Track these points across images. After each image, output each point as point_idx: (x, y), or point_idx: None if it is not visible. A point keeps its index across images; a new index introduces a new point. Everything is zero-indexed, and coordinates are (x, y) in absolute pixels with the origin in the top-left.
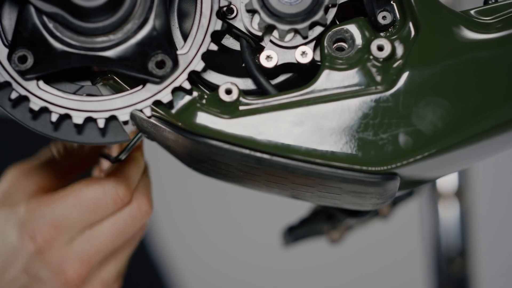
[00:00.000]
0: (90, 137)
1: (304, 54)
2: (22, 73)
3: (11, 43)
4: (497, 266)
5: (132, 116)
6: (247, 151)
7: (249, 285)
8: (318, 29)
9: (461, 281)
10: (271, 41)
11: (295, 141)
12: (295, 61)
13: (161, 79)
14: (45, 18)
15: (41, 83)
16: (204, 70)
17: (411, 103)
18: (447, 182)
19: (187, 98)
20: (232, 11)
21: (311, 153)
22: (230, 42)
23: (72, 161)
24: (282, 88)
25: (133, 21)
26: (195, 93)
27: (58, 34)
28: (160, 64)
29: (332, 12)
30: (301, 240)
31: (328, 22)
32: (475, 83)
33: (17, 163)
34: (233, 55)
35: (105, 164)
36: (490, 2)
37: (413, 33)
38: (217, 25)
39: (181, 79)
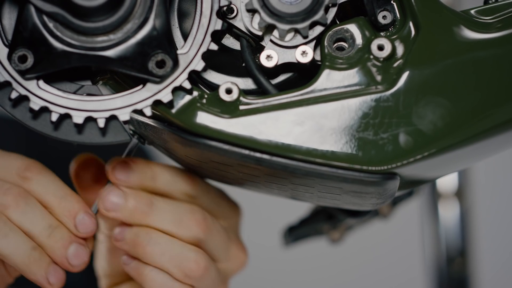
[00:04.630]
0: (90, 136)
1: (304, 54)
2: (22, 73)
3: (11, 42)
4: (497, 266)
5: (130, 119)
6: (246, 152)
7: (249, 285)
8: (318, 29)
9: (461, 281)
10: (271, 40)
11: (295, 140)
12: (295, 61)
13: (161, 78)
14: (45, 18)
15: (41, 82)
16: (204, 69)
17: (411, 102)
18: (447, 182)
19: (187, 97)
20: (232, 11)
21: (312, 153)
22: (230, 42)
23: None
24: (282, 88)
25: (133, 21)
26: (195, 93)
27: (58, 33)
28: (160, 64)
29: (332, 11)
30: (301, 240)
31: (328, 21)
32: (475, 83)
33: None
34: (234, 54)
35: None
36: (490, 1)
37: (413, 32)
38: (217, 24)
39: (181, 79)
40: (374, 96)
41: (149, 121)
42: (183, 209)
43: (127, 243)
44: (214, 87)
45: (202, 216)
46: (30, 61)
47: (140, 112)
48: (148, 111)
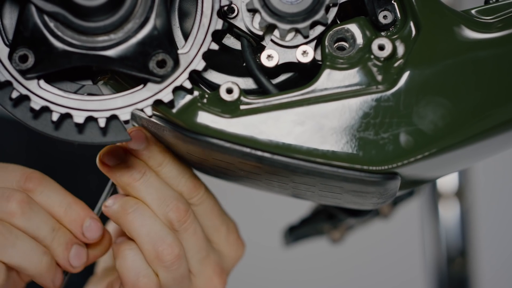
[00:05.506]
0: (91, 136)
1: (305, 54)
2: (23, 72)
3: (12, 42)
4: (497, 266)
5: (133, 116)
6: (248, 150)
7: (249, 285)
8: (319, 29)
9: (461, 281)
10: (272, 40)
11: (296, 140)
12: (296, 61)
13: (162, 78)
14: (46, 18)
15: (42, 82)
16: (205, 69)
17: (412, 102)
18: (447, 182)
19: (188, 97)
20: (233, 11)
21: (312, 153)
22: (231, 42)
23: None
24: (283, 88)
25: (134, 21)
26: (196, 93)
27: (59, 33)
28: (161, 64)
29: (333, 11)
30: (302, 240)
31: (329, 21)
32: (475, 83)
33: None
34: (234, 54)
35: None
36: (491, 1)
37: (414, 32)
38: (218, 24)
39: (182, 79)
40: (374, 96)
41: (151, 118)
42: (171, 193)
43: (116, 209)
44: (214, 87)
45: (184, 208)
46: (31, 60)
47: (141, 112)
48: (148, 111)
